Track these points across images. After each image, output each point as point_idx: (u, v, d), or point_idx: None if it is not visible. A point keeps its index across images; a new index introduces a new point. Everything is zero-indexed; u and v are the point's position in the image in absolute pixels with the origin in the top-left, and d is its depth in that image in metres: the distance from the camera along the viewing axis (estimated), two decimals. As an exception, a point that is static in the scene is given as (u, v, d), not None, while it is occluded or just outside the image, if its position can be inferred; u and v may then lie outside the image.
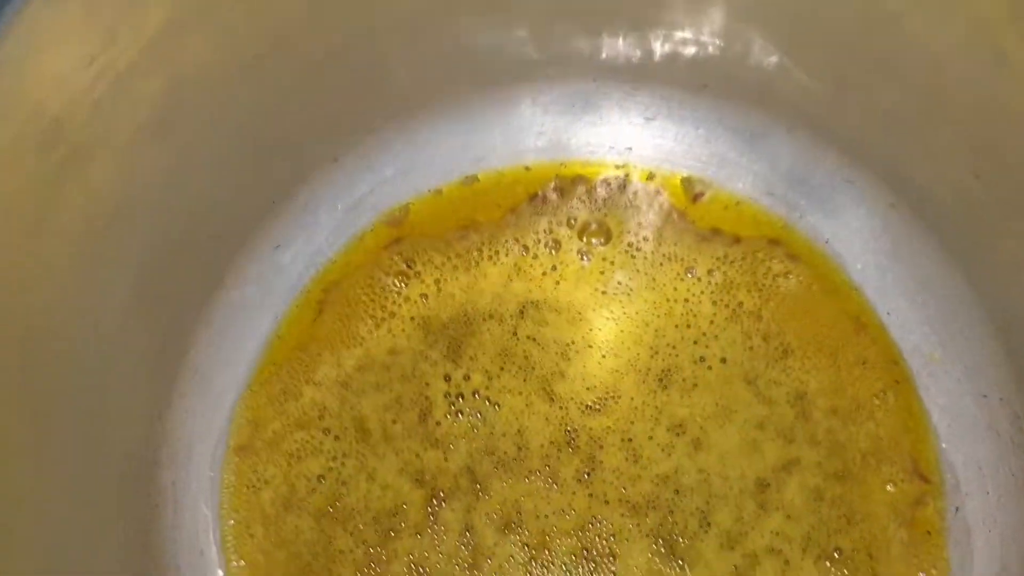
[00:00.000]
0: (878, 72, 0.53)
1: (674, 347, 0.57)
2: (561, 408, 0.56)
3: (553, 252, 0.58)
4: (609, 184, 0.60)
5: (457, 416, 0.56)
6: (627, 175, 0.60)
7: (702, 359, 0.56)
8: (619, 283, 0.58)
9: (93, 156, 0.47)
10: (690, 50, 0.57)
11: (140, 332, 0.52)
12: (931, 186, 0.55)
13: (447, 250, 0.59)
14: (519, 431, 0.55)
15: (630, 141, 0.61)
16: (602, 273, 0.58)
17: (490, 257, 0.59)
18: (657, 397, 0.56)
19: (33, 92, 0.44)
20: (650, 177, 0.60)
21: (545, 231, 0.59)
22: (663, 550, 0.53)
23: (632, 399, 0.56)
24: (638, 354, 0.57)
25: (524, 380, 0.56)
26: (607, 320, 0.57)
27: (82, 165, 0.46)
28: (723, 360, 0.56)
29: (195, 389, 0.55)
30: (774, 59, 0.55)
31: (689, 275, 0.58)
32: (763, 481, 0.54)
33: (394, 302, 0.58)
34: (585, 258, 0.58)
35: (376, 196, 0.60)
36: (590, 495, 0.54)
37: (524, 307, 0.58)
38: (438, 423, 0.55)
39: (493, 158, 0.60)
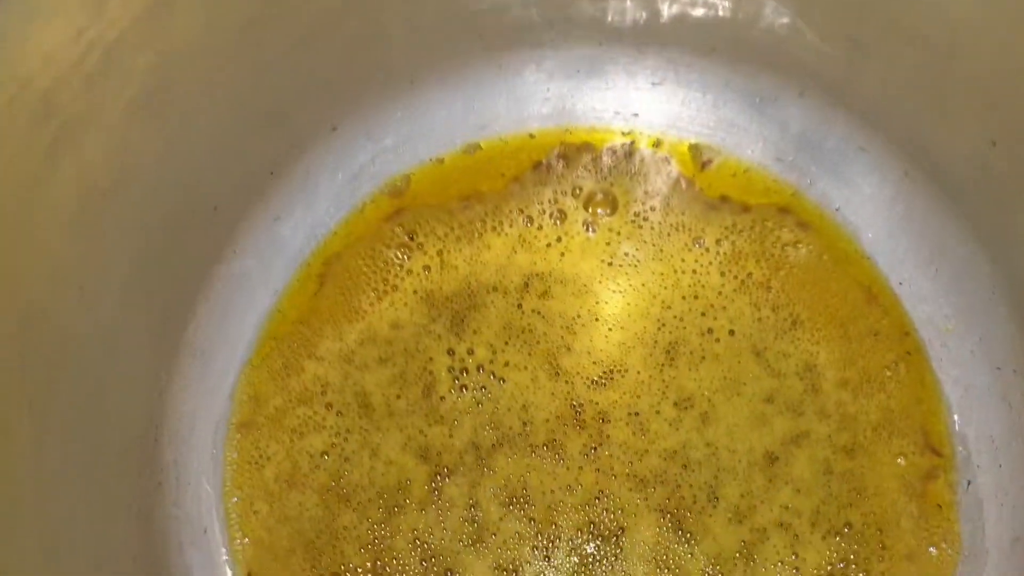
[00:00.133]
0: (893, 34, 0.51)
1: (681, 319, 0.56)
2: (567, 383, 0.55)
3: (558, 223, 0.57)
4: (615, 152, 0.58)
5: (461, 391, 0.55)
6: (633, 142, 0.59)
7: (710, 331, 0.55)
8: (626, 254, 0.57)
9: (86, 131, 0.46)
10: (698, 11, 0.55)
11: (139, 308, 0.51)
12: (946, 153, 0.54)
13: (450, 221, 0.58)
14: (524, 406, 0.54)
15: (636, 107, 0.59)
16: (608, 244, 0.57)
17: (494, 228, 0.57)
18: (664, 370, 0.55)
19: (22, 68, 0.42)
20: (657, 144, 0.59)
21: (550, 201, 0.58)
22: (671, 525, 0.53)
23: (639, 373, 0.55)
24: (645, 327, 0.56)
25: (529, 354, 0.55)
26: (613, 293, 0.56)
27: (75, 141, 0.45)
28: (731, 332, 0.55)
29: (195, 366, 0.55)
30: (786, 20, 0.54)
31: (697, 245, 0.57)
32: (772, 455, 0.54)
33: (396, 275, 0.57)
34: (591, 229, 0.57)
35: (376, 166, 0.58)
36: (597, 470, 0.54)
37: (529, 279, 0.56)
38: (442, 398, 0.55)
39: (496, 125, 0.59)
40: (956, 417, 0.54)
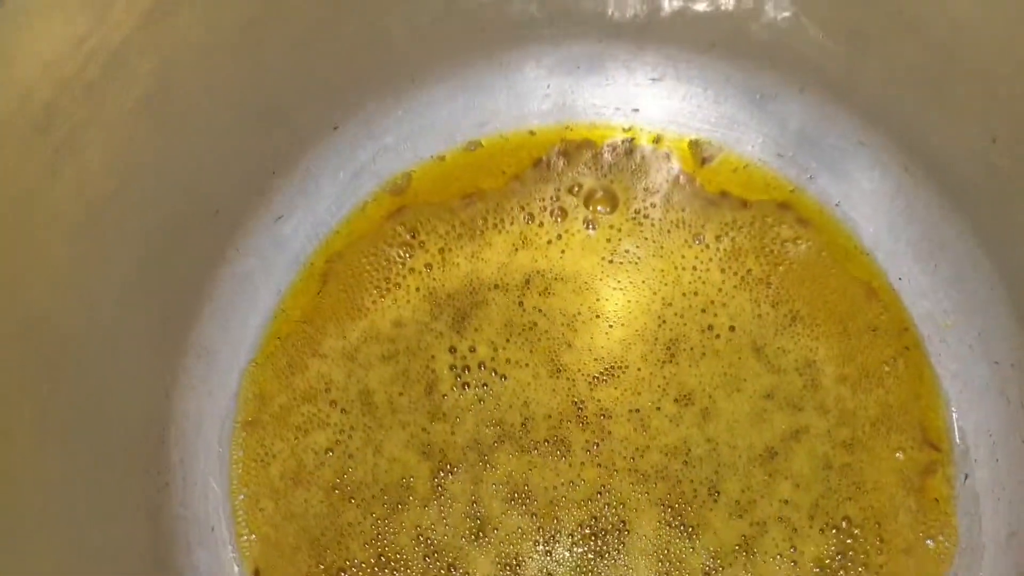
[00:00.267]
0: (894, 29, 0.51)
1: (682, 316, 0.56)
2: (568, 379, 0.55)
3: (559, 220, 0.57)
4: (615, 149, 0.59)
5: (463, 388, 0.55)
6: (634, 139, 0.59)
7: (710, 327, 0.56)
8: (626, 251, 0.57)
9: (88, 138, 0.46)
10: (699, 6, 0.55)
11: (143, 310, 0.52)
12: (946, 149, 0.54)
13: (451, 218, 0.58)
14: (526, 403, 0.55)
15: (637, 102, 0.59)
16: (608, 241, 0.57)
17: (495, 225, 0.58)
18: (665, 367, 0.55)
19: (23, 78, 0.42)
20: (657, 140, 0.59)
21: (551, 198, 0.58)
22: (672, 519, 0.53)
23: (640, 369, 0.55)
24: (645, 324, 0.56)
25: (530, 351, 0.56)
26: (614, 290, 0.57)
27: (77, 148, 0.45)
28: (731, 328, 0.56)
29: (200, 365, 0.55)
30: (787, 15, 0.54)
31: (697, 242, 0.57)
32: (771, 450, 0.54)
33: (398, 273, 0.57)
34: (591, 227, 0.57)
35: (377, 164, 0.59)
36: (598, 466, 0.54)
37: (530, 277, 0.57)
38: (444, 396, 0.55)
39: (497, 122, 0.59)
40: (954, 412, 0.55)
